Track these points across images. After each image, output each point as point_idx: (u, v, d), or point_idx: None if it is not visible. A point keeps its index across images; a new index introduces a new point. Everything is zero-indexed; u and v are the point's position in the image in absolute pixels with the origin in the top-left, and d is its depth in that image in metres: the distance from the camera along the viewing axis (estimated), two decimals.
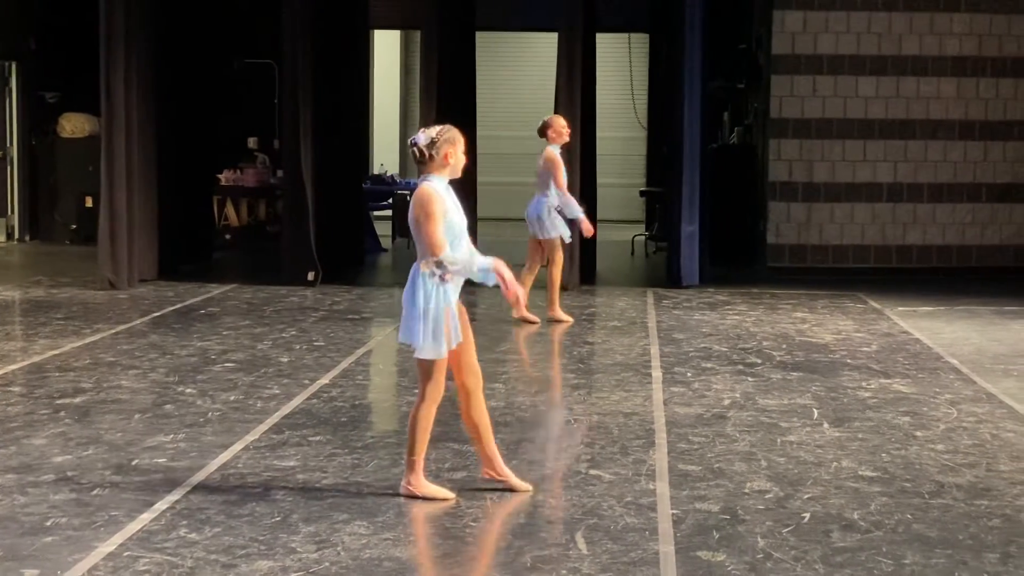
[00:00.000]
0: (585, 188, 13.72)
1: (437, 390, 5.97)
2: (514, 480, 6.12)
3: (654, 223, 17.69)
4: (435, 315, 5.84)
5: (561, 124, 11.11)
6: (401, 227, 17.64)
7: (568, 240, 11.40)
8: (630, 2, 18.87)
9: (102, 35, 12.85)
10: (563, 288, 11.72)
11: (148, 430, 7.15)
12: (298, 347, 9.80)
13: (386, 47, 22.28)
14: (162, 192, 13.87)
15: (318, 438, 7.00)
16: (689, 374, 8.95)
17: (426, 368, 5.91)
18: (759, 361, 9.47)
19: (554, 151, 10.98)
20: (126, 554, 5.12)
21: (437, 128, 6.05)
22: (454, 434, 7.19)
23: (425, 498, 5.90)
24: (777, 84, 14.86)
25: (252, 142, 18.27)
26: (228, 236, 17.28)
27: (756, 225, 15.39)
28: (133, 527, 5.44)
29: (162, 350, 9.59)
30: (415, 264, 5.94)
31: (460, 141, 6.03)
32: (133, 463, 6.46)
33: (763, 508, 5.84)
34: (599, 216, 14.79)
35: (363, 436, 7.10)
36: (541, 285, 11.30)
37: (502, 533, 5.59)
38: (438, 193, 5.90)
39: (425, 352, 5.86)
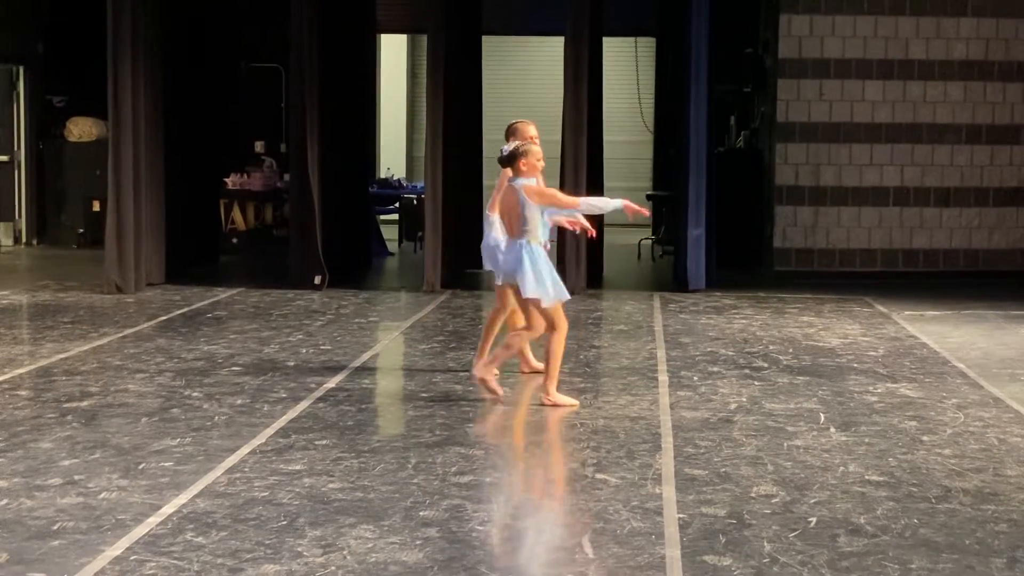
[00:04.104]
0: (591, 192, 13.73)
1: (563, 321, 7.97)
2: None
3: (661, 227, 17.69)
4: (549, 272, 7.84)
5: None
6: (409, 230, 17.66)
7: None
8: (637, 6, 18.88)
9: (110, 39, 12.87)
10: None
11: (155, 434, 7.15)
12: (305, 351, 9.81)
13: (392, 51, 22.31)
14: (169, 196, 13.90)
15: (324, 442, 7.00)
16: (696, 378, 8.94)
17: (551, 310, 7.84)
18: (766, 365, 9.46)
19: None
20: (133, 558, 5.13)
21: (514, 144, 8.02)
22: (459, 438, 7.20)
23: (558, 405, 7.88)
24: (784, 88, 14.86)
25: (259, 146, 18.30)
26: (235, 240, 17.30)
27: (763, 229, 15.38)
28: (140, 531, 5.45)
29: (169, 354, 9.60)
30: (517, 240, 7.86)
31: (532, 152, 7.91)
32: (140, 467, 6.47)
33: (770, 512, 5.83)
34: (606, 220, 14.80)
35: (369, 440, 7.10)
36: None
37: (508, 537, 5.59)
38: (541, 185, 7.96)
39: (549, 300, 7.81)
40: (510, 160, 7.96)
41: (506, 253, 8.10)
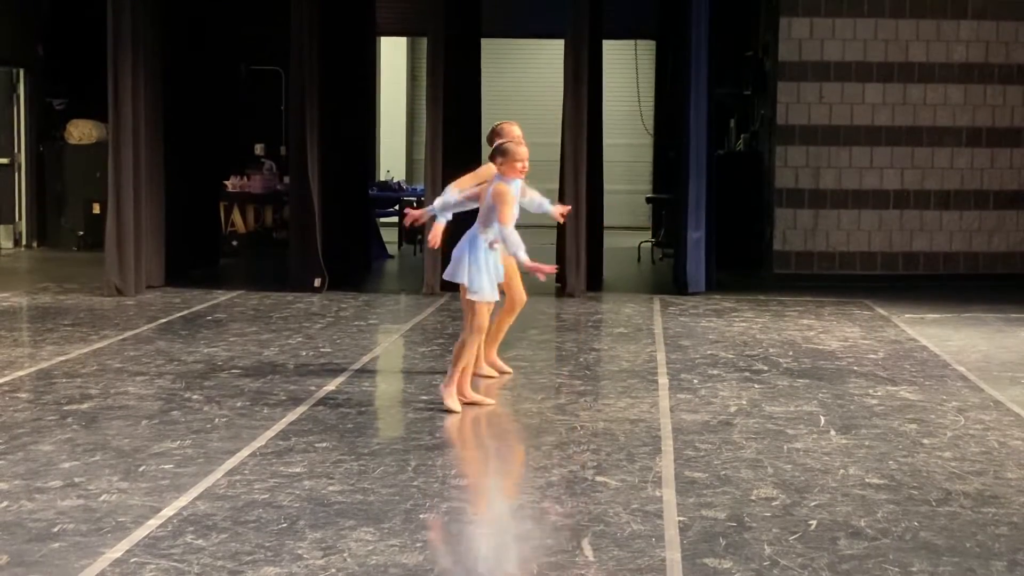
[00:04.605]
0: (591, 195, 13.75)
1: (485, 324, 7.93)
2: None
3: (660, 230, 17.70)
4: (492, 267, 7.81)
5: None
6: (409, 233, 17.67)
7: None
8: (637, 9, 18.89)
9: (110, 40, 12.88)
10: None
11: (155, 436, 7.16)
12: (304, 353, 9.81)
13: (393, 54, 22.32)
14: (169, 198, 13.91)
15: (324, 444, 7.00)
16: (695, 381, 8.94)
17: (477, 307, 7.75)
18: (766, 368, 9.46)
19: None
20: (133, 560, 5.13)
21: (497, 142, 8.06)
22: (459, 441, 7.20)
23: (447, 409, 7.77)
24: (783, 91, 14.86)
25: (259, 148, 18.32)
26: (235, 242, 17.30)
27: (763, 232, 15.39)
28: (140, 533, 5.45)
29: (169, 356, 9.60)
30: (473, 229, 7.82)
31: (511, 153, 7.85)
32: (140, 469, 6.47)
33: (770, 515, 5.83)
34: (606, 223, 14.81)
35: (369, 443, 7.10)
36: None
37: (509, 540, 5.59)
38: (510, 190, 7.82)
39: (482, 295, 7.75)
40: (492, 156, 8.05)
41: (462, 242, 7.99)
